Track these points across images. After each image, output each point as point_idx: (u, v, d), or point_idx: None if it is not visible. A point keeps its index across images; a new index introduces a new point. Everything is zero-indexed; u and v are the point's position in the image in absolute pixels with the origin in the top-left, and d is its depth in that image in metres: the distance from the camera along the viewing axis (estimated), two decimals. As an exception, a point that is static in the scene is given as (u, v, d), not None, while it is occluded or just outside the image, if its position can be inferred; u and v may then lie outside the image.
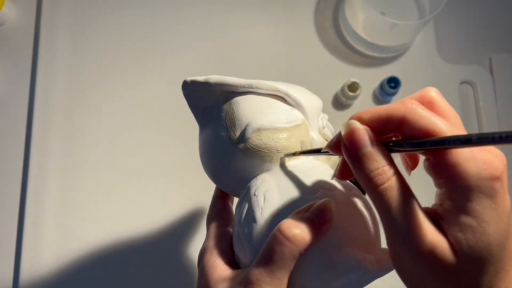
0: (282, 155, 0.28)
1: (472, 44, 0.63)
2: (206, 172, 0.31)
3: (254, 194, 0.27)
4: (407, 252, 0.20)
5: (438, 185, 0.21)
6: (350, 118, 0.22)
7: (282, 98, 0.29)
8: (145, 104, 0.57)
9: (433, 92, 0.22)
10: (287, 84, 0.30)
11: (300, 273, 0.25)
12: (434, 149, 0.20)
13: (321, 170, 0.29)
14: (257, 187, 0.27)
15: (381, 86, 0.57)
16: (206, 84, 0.29)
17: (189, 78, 0.30)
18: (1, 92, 0.56)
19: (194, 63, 0.58)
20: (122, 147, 0.55)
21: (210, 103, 0.30)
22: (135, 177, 0.54)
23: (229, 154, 0.28)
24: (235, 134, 0.28)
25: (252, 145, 0.27)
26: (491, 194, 0.19)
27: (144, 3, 0.60)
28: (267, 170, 0.28)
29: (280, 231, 0.24)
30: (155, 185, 0.54)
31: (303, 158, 0.29)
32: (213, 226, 0.31)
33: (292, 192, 0.26)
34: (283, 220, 0.24)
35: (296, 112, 0.29)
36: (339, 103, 0.58)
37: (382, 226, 0.21)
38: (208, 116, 0.30)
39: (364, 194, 0.29)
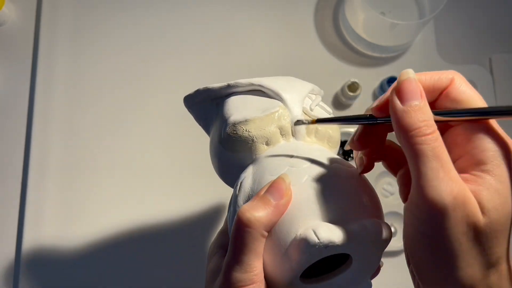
0: (261, 143, 0.29)
1: (472, 44, 0.63)
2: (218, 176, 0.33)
3: (236, 186, 0.28)
4: (440, 201, 0.20)
5: (465, 151, 0.22)
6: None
7: (261, 91, 0.30)
8: (145, 104, 0.57)
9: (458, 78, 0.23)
10: (268, 77, 0.31)
11: (268, 253, 0.25)
12: (477, 119, 0.21)
13: (305, 150, 0.28)
14: (240, 179, 0.28)
15: (381, 86, 0.57)
16: (197, 95, 0.32)
17: (185, 95, 0.33)
18: (1, 92, 0.56)
19: (194, 63, 0.58)
20: (122, 147, 0.55)
21: (207, 113, 0.32)
22: (136, 177, 0.54)
23: (219, 152, 0.30)
24: (220, 133, 0.30)
25: (229, 140, 0.29)
26: None
27: (144, 4, 0.60)
28: (252, 161, 0.29)
29: (237, 217, 0.24)
30: (156, 184, 0.54)
31: (288, 142, 0.29)
32: (225, 222, 0.32)
33: (262, 175, 0.27)
34: (241, 206, 0.25)
35: (274, 100, 0.30)
36: (339, 103, 0.58)
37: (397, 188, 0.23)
38: (210, 125, 0.33)
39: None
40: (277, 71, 0.59)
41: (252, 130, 0.29)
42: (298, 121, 0.29)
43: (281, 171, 0.26)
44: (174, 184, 0.54)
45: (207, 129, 0.34)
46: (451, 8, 0.56)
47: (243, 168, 0.29)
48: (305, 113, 0.30)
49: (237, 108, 0.30)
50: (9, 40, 0.58)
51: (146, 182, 0.54)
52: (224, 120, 0.30)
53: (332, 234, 0.23)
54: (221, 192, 0.53)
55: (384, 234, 0.24)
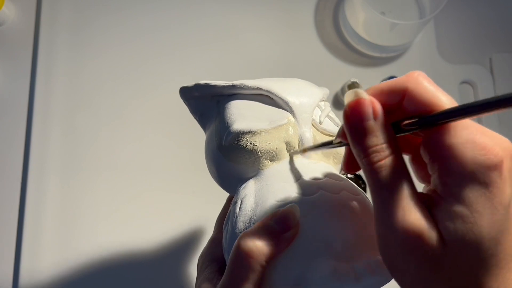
0: (266, 158, 0.27)
1: (472, 44, 0.63)
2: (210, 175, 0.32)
3: (235, 201, 0.26)
4: (392, 234, 0.19)
5: (431, 169, 0.20)
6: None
7: (269, 97, 0.28)
8: (146, 104, 0.57)
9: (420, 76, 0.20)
10: (277, 79, 0.29)
11: (266, 284, 0.23)
12: (443, 123, 0.18)
13: (311, 170, 0.27)
14: (239, 193, 0.27)
15: (381, 86, 0.57)
16: (196, 90, 0.30)
17: (182, 86, 0.30)
18: (1, 92, 0.56)
19: (194, 63, 0.58)
20: (123, 147, 0.55)
21: (205, 108, 0.30)
22: (137, 178, 0.54)
23: (217, 159, 0.28)
24: (220, 139, 0.27)
25: (231, 150, 0.27)
26: (486, 183, 0.18)
27: (144, 3, 0.60)
28: (254, 174, 0.27)
29: (238, 244, 0.23)
30: (158, 187, 0.54)
31: (295, 161, 0.27)
32: (217, 231, 0.30)
33: (266, 199, 0.25)
34: (243, 232, 0.23)
35: (281, 111, 0.28)
36: (339, 103, 0.58)
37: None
38: (206, 121, 0.31)
39: (365, 191, 0.27)
40: (276, 71, 0.59)
41: (257, 143, 0.26)
42: (292, 151, 0.27)
43: (288, 197, 0.24)
44: (180, 189, 0.54)
45: (203, 124, 0.32)
46: (451, 8, 0.56)
47: (242, 179, 0.28)
48: (313, 126, 0.28)
49: (242, 116, 0.27)
50: (9, 40, 0.57)
51: (148, 184, 0.54)
52: (226, 126, 0.27)
53: (373, 274, 0.22)
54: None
55: (388, 272, 0.23)
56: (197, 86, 0.29)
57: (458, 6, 0.63)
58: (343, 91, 0.56)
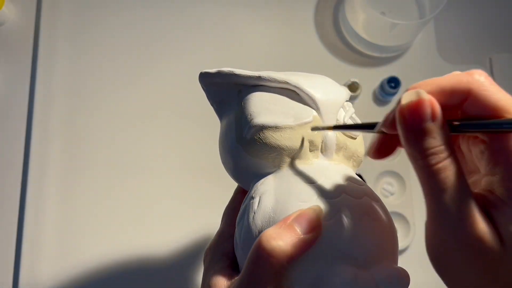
0: (288, 156, 0.26)
1: (472, 44, 0.63)
2: (223, 165, 0.30)
3: (252, 197, 0.26)
4: (454, 239, 0.19)
5: (491, 171, 0.19)
6: (408, 89, 0.20)
7: (295, 92, 0.27)
8: (146, 104, 0.57)
9: (483, 77, 0.20)
10: (303, 75, 0.28)
11: (289, 286, 0.23)
12: (504, 131, 0.18)
13: (333, 172, 0.26)
14: (257, 188, 0.26)
15: (381, 86, 0.57)
16: (218, 76, 0.29)
17: (203, 70, 0.29)
18: (1, 92, 0.56)
19: (194, 63, 0.58)
20: (124, 148, 0.55)
21: (225, 96, 0.29)
22: (138, 179, 0.54)
23: (235, 152, 0.27)
24: (240, 131, 0.27)
25: (254, 144, 0.26)
26: None
27: (144, 3, 0.60)
28: (273, 170, 0.27)
29: (260, 243, 0.22)
30: (161, 188, 0.54)
31: (316, 161, 0.27)
32: (225, 224, 0.29)
33: (288, 198, 0.24)
34: (265, 230, 0.23)
35: (307, 108, 0.27)
36: (339, 103, 0.58)
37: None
38: (224, 109, 0.30)
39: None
40: (276, 71, 0.59)
41: (281, 139, 0.26)
42: (315, 127, 0.26)
43: (310, 199, 0.24)
44: (184, 191, 0.54)
45: (220, 112, 0.30)
46: (451, 8, 0.56)
47: (260, 174, 0.27)
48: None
49: (267, 109, 0.26)
50: (9, 40, 0.57)
51: (150, 185, 0.54)
52: (248, 118, 0.26)
53: (390, 285, 0.22)
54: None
55: (406, 282, 0.23)
56: (219, 73, 0.28)
57: (458, 6, 0.62)
58: (343, 91, 0.56)
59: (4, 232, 0.51)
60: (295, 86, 0.27)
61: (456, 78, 0.19)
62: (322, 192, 0.24)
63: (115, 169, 0.54)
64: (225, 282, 0.25)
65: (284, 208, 0.24)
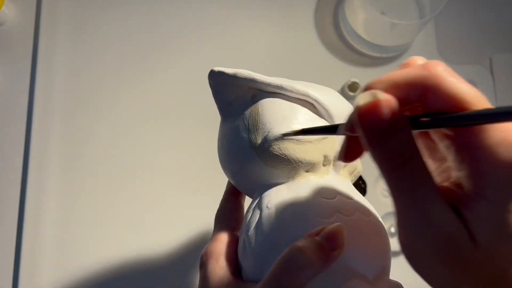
0: (303, 169, 0.26)
1: (472, 44, 0.63)
2: (221, 166, 0.30)
3: (267, 206, 0.25)
4: (422, 238, 0.18)
5: (458, 166, 0.19)
6: (364, 89, 0.19)
7: (311, 104, 0.27)
8: (146, 104, 0.57)
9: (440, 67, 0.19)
10: (318, 87, 0.28)
11: None
12: (470, 124, 0.17)
13: (345, 189, 0.27)
14: (271, 198, 0.26)
15: (381, 86, 0.57)
16: (234, 78, 0.28)
17: (216, 68, 0.28)
18: (1, 91, 0.56)
19: (194, 62, 0.58)
20: (124, 148, 0.55)
21: (236, 98, 0.28)
22: (138, 180, 0.54)
23: (247, 157, 0.27)
24: (256, 138, 0.26)
25: (272, 154, 0.26)
26: None
27: (145, 3, 0.60)
28: (285, 181, 0.27)
29: (290, 256, 0.22)
30: (161, 189, 0.54)
31: (327, 176, 0.27)
32: (222, 228, 0.29)
33: (306, 212, 0.25)
34: (295, 243, 0.23)
35: (323, 121, 0.27)
36: (339, 103, 0.58)
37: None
38: (232, 110, 0.29)
39: (365, 191, 0.28)
40: (276, 71, 0.59)
41: (300, 153, 0.26)
42: (286, 133, 0.26)
43: (331, 216, 0.24)
44: (185, 192, 0.54)
45: (226, 113, 0.29)
46: (451, 8, 0.56)
47: (270, 184, 0.27)
48: None
49: (286, 119, 0.26)
50: (9, 40, 0.57)
51: (150, 186, 0.54)
52: (267, 126, 0.26)
53: None
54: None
55: None
56: (236, 76, 0.28)
57: (458, 6, 0.62)
58: (343, 91, 0.56)
59: (4, 234, 0.51)
60: (314, 100, 0.27)
61: (411, 72, 0.19)
62: (339, 209, 0.25)
63: (115, 169, 0.54)
64: (233, 286, 0.25)
65: (304, 222, 0.24)
